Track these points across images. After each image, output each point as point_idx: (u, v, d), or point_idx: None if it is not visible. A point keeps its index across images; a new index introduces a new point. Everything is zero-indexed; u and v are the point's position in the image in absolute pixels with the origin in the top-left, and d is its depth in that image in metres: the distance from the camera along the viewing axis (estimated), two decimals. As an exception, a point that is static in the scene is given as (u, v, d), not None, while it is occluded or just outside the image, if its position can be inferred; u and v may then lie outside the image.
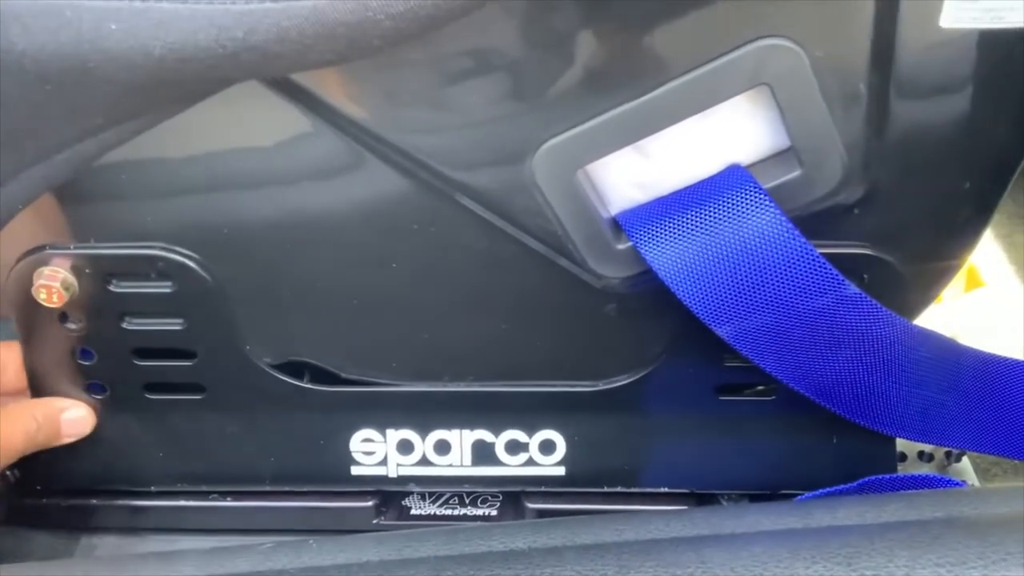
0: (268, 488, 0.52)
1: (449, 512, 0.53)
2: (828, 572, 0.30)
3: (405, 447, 0.51)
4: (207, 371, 0.49)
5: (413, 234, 0.45)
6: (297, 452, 0.51)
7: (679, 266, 0.43)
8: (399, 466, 0.52)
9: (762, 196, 0.42)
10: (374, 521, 0.53)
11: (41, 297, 0.46)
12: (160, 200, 0.45)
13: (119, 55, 0.34)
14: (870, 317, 0.44)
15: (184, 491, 0.53)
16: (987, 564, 0.30)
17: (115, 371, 0.50)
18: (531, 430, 0.51)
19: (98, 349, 0.49)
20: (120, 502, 0.53)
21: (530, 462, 0.51)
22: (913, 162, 0.43)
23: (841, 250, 0.45)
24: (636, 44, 0.40)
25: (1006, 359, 0.48)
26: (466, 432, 0.51)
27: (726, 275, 0.43)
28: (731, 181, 0.43)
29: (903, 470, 0.56)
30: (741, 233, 0.42)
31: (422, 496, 0.54)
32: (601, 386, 0.50)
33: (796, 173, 0.43)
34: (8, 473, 0.52)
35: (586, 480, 0.51)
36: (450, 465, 0.51)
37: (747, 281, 0.43)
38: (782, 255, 0.42)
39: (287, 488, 0.52)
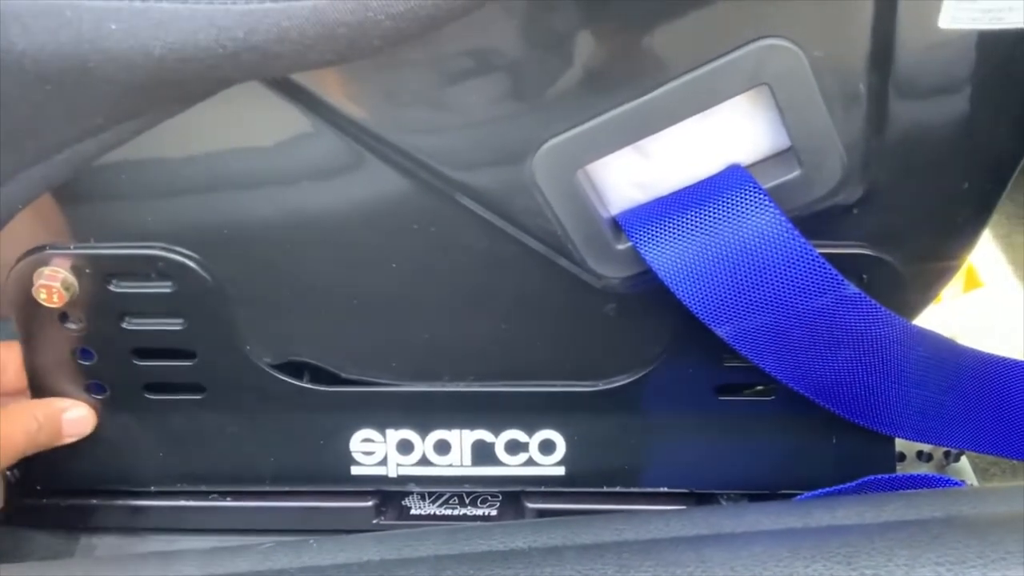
0: (268, 488, 0.52)
1: (449, 512, 0.53)
2: (828, 571, 0.31)
3: (405, 447, 0.51)
4: (207, 371, 0.49)
5: (413, 234, 0.45)
6: (297, 452, 0.51)
7: (679, 266, 0.43)
8: (399, 466, 0.52)
9: (762, 196, 0.42)
10: (374, 521, 0.53)
11: (41, 297, 0.46)
12: (160, 200, 0.45)
13: (119, 55, 0.34)
14: (869, 317, 0.44)
15: (184, 491, 0.53)
16: (986, 563, 0.30)
17: (115, 371, 0.50)
18: (531, 430, 0.51)
19: (98, 349, 0.49)
20: (120, 502, 0.53)
21: (530, 462, 0.51)
22: (912, 162, 0.43)
23: (840, 250, 0.45)
24: (636, 44, 0.40)
25: (1005, 359, 0.48)
26: (466, 432, 0.51)
27: (726, 275, 0.43)
28: (731, 181, 0.43)
29: (902, 470, 0.56)
30: (741, 233, 0.42)
31: (422, 496, 0.54)
32: (601, 386, 0.50)
33: (796, 173, 0.43)
34: (8, 473, 0.52)
35: (586, 480, 0.52)
36: (450, 465, 0.51)
37: (747, 281, 0.43)
38: (782, 255, 0.42)
39: (287, 488, 0.52)
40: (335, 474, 0.52)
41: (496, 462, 0.51)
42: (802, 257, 0.42)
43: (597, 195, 0.44)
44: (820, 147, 0.42)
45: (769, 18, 0.39)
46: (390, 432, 0.51)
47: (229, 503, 0.53)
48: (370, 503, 0.52)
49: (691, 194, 0.44)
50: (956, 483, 0.49)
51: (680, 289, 0.43)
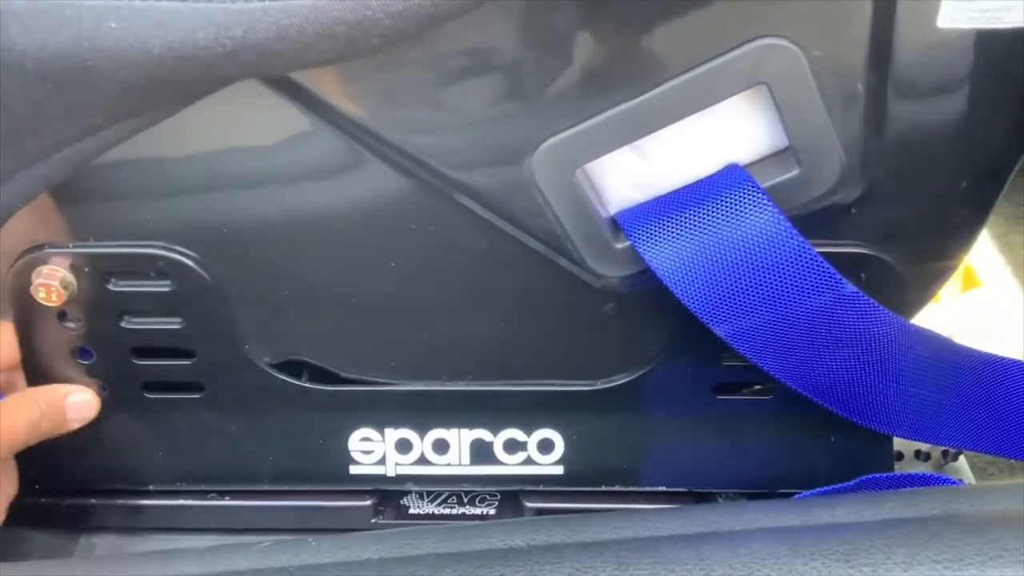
0: (267, 487, 0.52)
1: (447, 511, 0.53)
2: (826, 569, 0.31)
3: (403, 446, 0.51)
4: (206, 370, 0.49)
5: (412, 233, 0.45)
6: (296, 451, 0.51)
7: (677, 265, 0.43)
8: (397, 465, 0.52)
9: (760, 195, 0.42)
10: (372, 520, 0.53)
11: (40, 296, 0.46)
12: (159, 199, 0.45)
13: (119, 54, 0.35)
14: (867, 316, 0.44)
15: (183, 490, 0.53)
16: (984, 561, 0.30)
17: (114, 370, 0.50)
18: (529, 429, 0.51)
19: (97, 348, 0.49)
20: (119, 501, 0.53)
21: (528, 461, 0.51)
22: (910, 162, 0.43)
23: (839, 249, 0.45)
24: (634, 44, 0.40)
25: (1002, 359, 0.48)
26: (464, 431, 0.51)
27: (724, 274, 0.43)
28: (729, 180, 0.43)
29: (900, 469, 0.56)
30: (739, 232, 0.42)
31: (420, 495, 0.54)
32: (599, 385, 0.50)
33: (794, 172, 0.43)
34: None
35: (584, 479, 0.52)
36: (448, 464, 0.52)
37: (745, 280, 0.43)
38: (780, 254, 0.42)
39: (286, 487, 0.52)
40: (334, 473, 0.52)
41: (495, 461, 0.51)
42: (800, 256, 0.42)
43: (596, 194, 0.44)
44: (818, 146, 0.42)
45: (768, 17, 0.39)
46: (389, 431, 0.51)
47: (228, 502, 0.53)
48: (368, 502, 0.52)
49: (690, 193, 0.44)
50: (954, 482, 0.50)
51: (679, 288, 0.43)
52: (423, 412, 0.51)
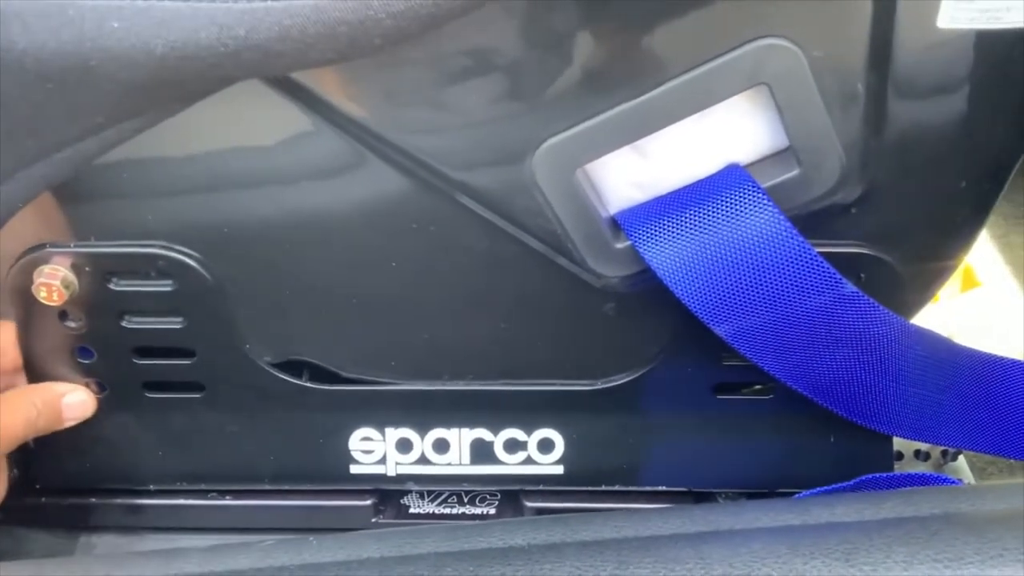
0: (267, 487, 0.52)
1: (448, 511, 0.53)
2: (827, 568, 0.31)
3: (404, 446, 0.51)
4: (207, 370, 0.49)
5: (413, 233, 0.45)
6: (296, 451, 0.51)
7: (678, 265, 0.43)
8: (398, 465, 0.52)
9: (760, 195, 0.42)
10: (373, 520, 0.53)
11: (41, 295, 0.46)
12: (160, 199, 0.45)
13: (121, 53, 0.35)
14: (867, 316, 0.44)
15: (183, 490, 0.53)
16: (984, 560, 0.30)
17: (115, 369, 0.50)
18: (530, 429, 0.51)
19: (98, 347, 0.49)
20: (119, 501, 0.53)
21: (529, 461, 0.51)
22: (910, 162, 0.43)
23: (839, 249, 0.45)
24: (635, 44, 0.40)
25: (1002, 359, 0.49)
26: (465, 431, 0.51)
27: (724, 274, 0.43)
28: (729, 180, 0.43)
29: (900, 469, 0.56)
30: (739, 232, 0.43)
31: (421, 495, 0.54)
32: (600, 385, 0.50)
33: (794, 172, 0.43)
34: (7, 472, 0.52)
35: (584, 479, 0.52)
36: (449, 464, 0.52)
37: (745, 280, 0.43)
38: (780, 254, 0.42)
39: (286, 487, 0.52)
40: (334, 473, 0.52)
41: (495, 461, 0.51)
42: (800, 256, 0.43)
43: (596, 194, 0.45)
44: (819, 147, 0.42)
45: (768, 18, 0.39)
46: (389, 431, 0.51)
47: (228, 502, 0.53)
48: (369, 502, 0.52)
49: (690, 193, 0.44)
50: (953, 482, 0.50)
51: (679, 288, 0.43)
52: (423, 412, 0.51)
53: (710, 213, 0.43)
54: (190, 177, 0.44)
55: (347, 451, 0.51)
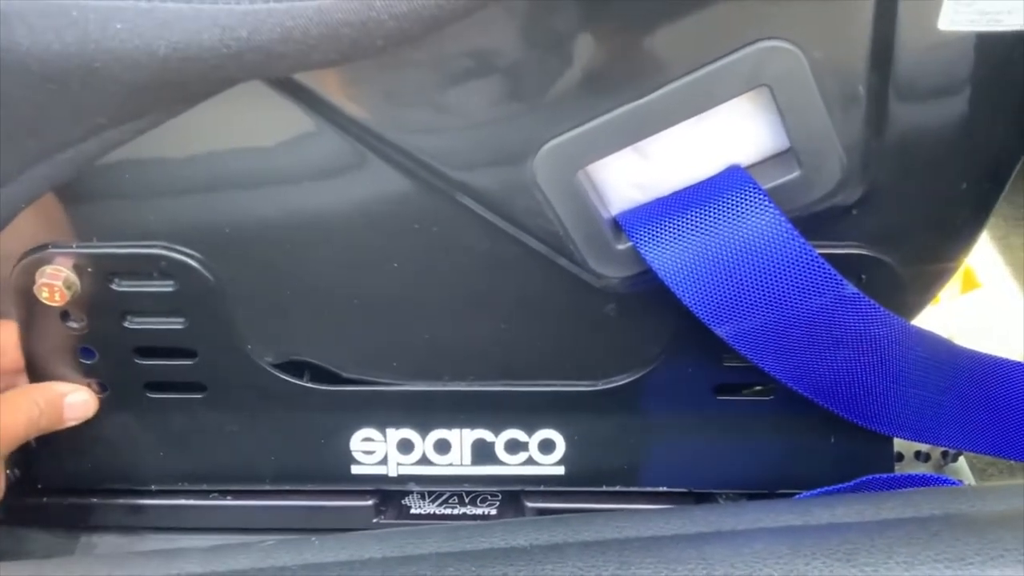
0: (268, 487, 0.53)
1: (449, 511, 0.53)
2: (828, 568, 0.31)
3: (405, 446, 0.51)
4: (208, 370, 0.49)
5: (414, 234, 0.45)
6: (297, 451, 0.52)
7: (679, 266, 0.43)
8: (399, 465, 0.52)
9: (761, 197, 0.42)
10: (374, 520, 0.53)
11: (43, 296, 0.46)
12: (162, 199, 0.45)
13: (124, 55, 0.35)
14: (868, 317, 0.44)
15: (185, 490, 0.53)
16: (985, 560, 0.30)
17: (116, 370, 0.50)
18: (531, 429, 0.51)
19: (99, 348, 0.49)
20: (120, 501, 0.53)
21: (529, 461, 0.51)
22: (911, 163, 0.43)
23: (839, 250, 0.45)
24: (636, 46, 0.40)
25: (1002, 360, 0.49)
26: (466, 431, 0.51)
27: (725, 275, 0.43)
28: (731, 182, 0.43)
29: (900, 470, 0.56)
30: (740, 233, 0.43)
31: (422, 495, 0.54)
32: (600, 385, 0.50)
33: (795, 174, 0.43)
34: (8, 472, 0.52)
35: (585, 479, 0.52)
36: (450, 464, 0.52)
37: (746, 281, 0.43)
38: (781, 255, 0.43)
39: (287, 487, 0.53)
40: (335, 473, 0.52)
41: (496, 461, 0.51)
42: (801, 257, 0.43)
43: (598, 195, 0.45)
44: (820, 148, 0.42)
45: (769, 20, 0.39)
46: (390, 431, 0.51)
47: (229, 502, 0.53)
48: (370, 502, 0.53)
49: (691, 194, 0.44)
50: (954, 483, 0.50)
51: (680, 289, 0.43)
52: (425, 412, 0.51)
53: (711, 214, 0.43)
54: (192, 178, 0.44)
55: (348, 451, 0.51)
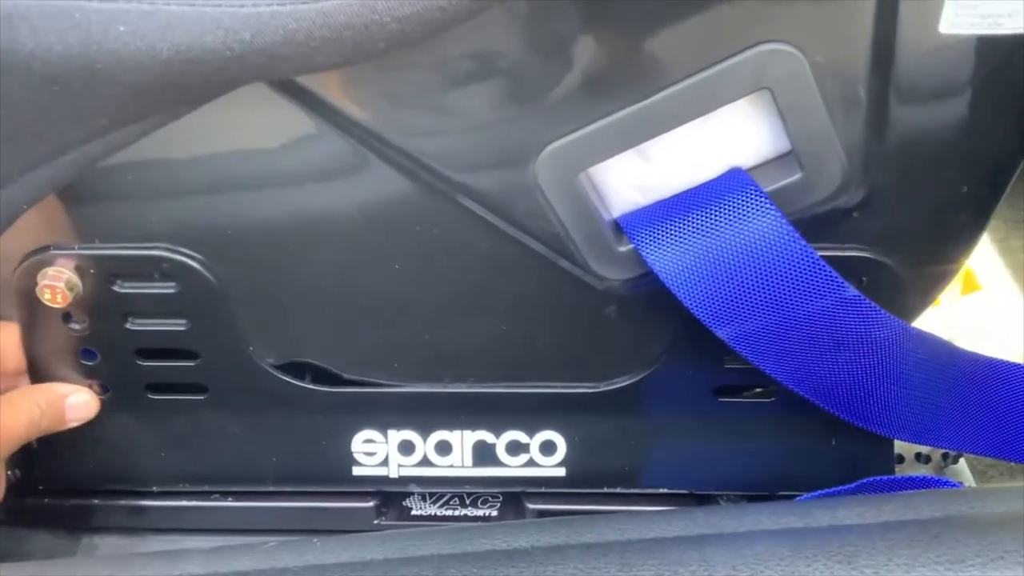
0: (270, 488, 0.53)
1: (449, 513, 0.53)
2: (829, 570, 0.31)
3: (406, 448, 0.51)
4: (210, 372, 0.50)
5: (416, 236, 0.45)
6: (299, 452, 0.52)
7: (680, 268, 0.43)
8: (400, 467, 0.52)
9: (763, 199, 0.42)
10: (375, 522, 0.53)
11: (45, 297, 0.46)
12: (164, 201, 0.45)
13: (127, 57, 0.35)
14: (869, 319, 0.44)
15: (186, 491, 0.53)
16: (985, 562, 0.30)
17: (118, 371, 0.50)
18: (532, 431, 0.51)
19: (101, 349, 0.49)
20: (122, 502, 0.53)
21: (531, 463, 0.51)
22: (912, 166, 0.43)
23: (840, 253, 0.45)
24: (638, 48, 0.41)
25: (1003, 362, 0.49)
26: (467, 433, 0.51)
27: (727, 277, 0.43)
28: (732, 184, 0.43)
29: (901, 472, 0.56)
30: (742, 236, 0.43)
31: (423, 497, 0.54)
32: (602, 387, 0.50)
33: (796, 176, 0.43)
34: (9, 473, 0.52)
35: (586, 481, 0.52)
36: (451, 466, 0.52)
37: (747, 283, 0.43)
38: (782, 257, 0.43)
39: (289, 488, 0.53)
40: (337, 474, 0.52)
41: (497, 463, 0.51)
42: (802, 259, 0.43)
43: (599, 197, 0.45)
44: (821, 151, 0.42)
45: (770, 22, 0.39)
46: (391, 433, 0.51)
47: (231, 503, 0.53)
48: (371, 503, 0.53)
49: (693, 197, 0.44)
50: (954, 485, 0.50)
51: (681, 291, 0.43)
52: (426, 414, 0.51)
53: (712, 217, 0.43)
54: (194, 179, 0.44)
55: (349, 453, 0.51)
